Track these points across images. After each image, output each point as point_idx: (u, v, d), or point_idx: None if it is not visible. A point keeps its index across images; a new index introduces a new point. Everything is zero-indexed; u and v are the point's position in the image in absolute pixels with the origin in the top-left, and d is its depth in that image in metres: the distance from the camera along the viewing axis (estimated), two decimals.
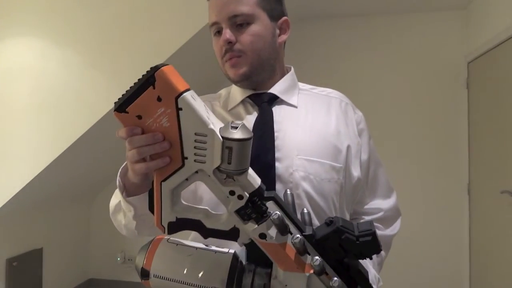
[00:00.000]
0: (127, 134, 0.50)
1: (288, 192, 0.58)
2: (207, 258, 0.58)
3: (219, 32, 0.74)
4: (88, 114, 2.05)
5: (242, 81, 0.76)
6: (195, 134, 0.49)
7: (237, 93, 0.80)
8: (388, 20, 2.82)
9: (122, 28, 2.04)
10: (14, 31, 2.13)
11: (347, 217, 0.79)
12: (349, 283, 0.53)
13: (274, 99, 0.77)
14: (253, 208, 0.52)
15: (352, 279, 0.54)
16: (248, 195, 0.52)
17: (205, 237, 0.56)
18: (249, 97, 0.78)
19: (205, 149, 0.49)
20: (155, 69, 0.47)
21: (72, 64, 2.08)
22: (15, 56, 2.13)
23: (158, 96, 0.48)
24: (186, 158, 0.50)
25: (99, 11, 2.06)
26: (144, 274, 0.57)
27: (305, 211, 0.57)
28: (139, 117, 0.49)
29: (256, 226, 0.52)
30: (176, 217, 0.54)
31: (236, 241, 0.55)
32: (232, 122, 0.50)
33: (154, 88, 0.47)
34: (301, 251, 0.53)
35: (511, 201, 2.03)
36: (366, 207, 0.83)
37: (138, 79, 0.48)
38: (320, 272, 0.52)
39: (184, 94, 0.48)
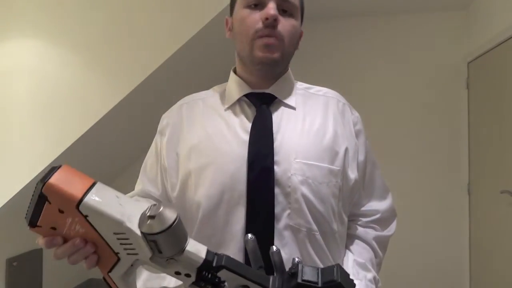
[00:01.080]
0: (46, 245, 0.48)
1: (274, 249, 0.51)
2: None
3: (257, 6, 0.70)
4: (88, 115, 2.05)
5: (266, 66, 0.72)
6: (114, 233, 0.46)
7: (233, 91, 0.77)
8: (388, 20, 2.82)
9: (122, 29, 2.04)
10: (14, 31, 2.13)
11: (345, 221, 0.77)
12: None
13: (272, 100, 0.76)
14: (206, 281, 0.48)
15: None
16: (195, 271, 0.48)
17: None
18: (246, 96, 0.76)
19: (131, 243, 0.47)
20: (42, 183, 0.44)
21: (71, 65, 2.08)
22: (15, 57, 2.13)
23: (59, 209, 0.45)
24: (118, 253, 0.48)
25: (99, 12, 2.06)
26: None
27: (274, 249, 0.50)
28: (54, 228, 0.47)
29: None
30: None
31: None
32: (149, 208, 0.45)
33: (50, 203, 0.45)
34: None
35: (511, 201, 2.03)
36: (363, 209, 0.82)
37: (32, 194, 0.45)
38: None
39: (84, 200, 0.44)
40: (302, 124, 0.74)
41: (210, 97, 0.81)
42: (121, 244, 0.47)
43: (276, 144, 0.70)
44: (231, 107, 0.76)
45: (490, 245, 2.32)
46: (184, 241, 0.47)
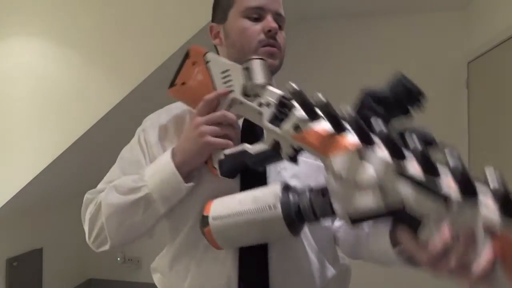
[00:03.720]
0: (215, 96, 0.65)
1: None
2: (259, 188, 0.60)
3: (256, 19, 0.74)
4: (89, 114, 2.05)
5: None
6: (221, 72, 0.67)
7: None
8: (387, 20, 2.82)
9: (123, 28, 2.04)
10: (14, 31, 2.13)
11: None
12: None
13: None
14: (282, 110, 0.57)
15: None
16: (274, 101, 0.59)
17: (254, 165, 0.62)
18: None
19: (231, 80, 0.65)
20: (187, 50, 0.70)
21: (72, 64, 2.08)
22: (15, 56, 2.13)
23: (193, 62, 0.69)
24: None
25: (100, 11, 2.06)
26: (204, 222, 0.59)
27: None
28: (183, 83, 0.70)
29: (287, 120, 0.55)
30: (224, 154, 0.63)
31: (282, 157, 0.58)
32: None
33: (189, 58, 0.70)
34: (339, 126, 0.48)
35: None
36: None
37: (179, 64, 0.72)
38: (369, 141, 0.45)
39: (208, 52, 0.69)
40: None
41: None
42: (224, 83, 0.66)
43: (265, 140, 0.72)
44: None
45: None
46: (267, 80, 0.63)
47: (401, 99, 0.49)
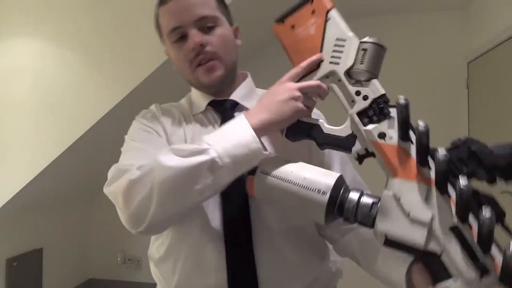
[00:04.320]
0: (308, 64, 0.60)
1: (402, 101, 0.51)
2: (314, 169, 0.59)
3: (182, 38, 0.71)
4: (88, 114, 2.05)
5: (216, 85, 0.74)
6: (336, 39, 0.59)
7: (199, 100, 0.79)
8: (387, 20, 2.81)
9: (122, 28, 2.04)
10: (14, 31, 2.14)
11: None
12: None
13: (235, 106, 0.77)
14: (376, 110, 0.54)
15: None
16: (373, 96, 0.55)
17: (321, 143, 0.59)
18: (210, 104, 0.78)
19: (342, 52, 0.58)
20: None
21: (72, 64, 2.08)
22: (15, 56, 2.13)
23: (313, 10, 0.61)
24: (322, 61, 0.59)
25: (99, 11, 2.06)
26: (251, 170, 0.60)
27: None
28: (292, 27, 0.62)
29: (377, 125, 0.53)
30: (298, 119, 0.60)
31: (350, 151, 0.57)
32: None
33: (312, 3, 0.61)
34: (424, 162, 0.49)
35: (511, 201, 2.03)
36: None
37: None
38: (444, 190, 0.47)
39: (333, 9, 0.61)
40: None
41: (180, 107, 0.83)
42: (333, 51, 0.59)
43: None
44: (199, 115, 0.79)
45: None
46: (377, 72, 0.57)
47: (502, 167, 0.45)
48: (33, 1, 2.12)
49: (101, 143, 2.26)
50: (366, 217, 0.52)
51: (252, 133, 0.57)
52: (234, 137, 0.58)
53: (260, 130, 0.58)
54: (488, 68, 2.39)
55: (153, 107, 0.82)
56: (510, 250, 0.41)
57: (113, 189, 0.62)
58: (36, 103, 2.10)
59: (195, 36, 0.69)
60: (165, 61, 1.98)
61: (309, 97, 0.61)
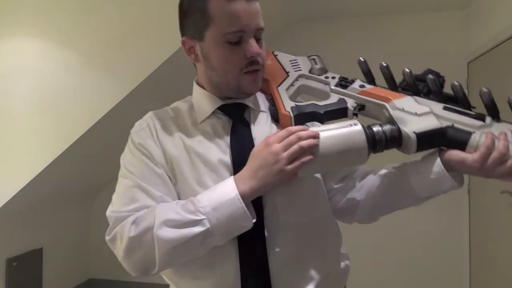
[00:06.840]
0: (296, 129, 0.67)
1: (383, 64, 0.77)
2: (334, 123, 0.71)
3: (237, 42, 0.69)
4: (88, 114, 2.05)
5: (253, 94, 0.78)
6: (289, 61, 0.82)
7: (205, 104, 0.77)
8: (387, 20, 2.82)
9: (122, 29, 2.04)
10: (14, 31, 2.14)
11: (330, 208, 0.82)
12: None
13: (244, 108, 0.77)
14: (343, 81, 0.78)
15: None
16: (338, 76, 0.79)
17: (322, 118, 0.74)
18: (219, 108, 0.76)
19: (298, 65, 0.81)
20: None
21: (72, 65, 2.08)
22: (15, 56, 2.13)
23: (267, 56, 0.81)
24: (288, 72, 0.80)
25: (99, 12, 2.06)
26: None
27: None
28: (264, 80, 0.78)
29: (354, 83, 0.77)
30: (296, 104, 0.75)
31: (346, 111, 0.74)
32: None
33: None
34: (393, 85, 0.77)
35: (511, 201, 2.03)
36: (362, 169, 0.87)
37: None
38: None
39: (274, 51, 0.84)
40: (271, 126, 0.78)
41: (178, 115, 0.79)
42: (292, 66, 0.81)
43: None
44: (207, 120, 0.76)
45: (490, 245, 2.32)
46: (326, 67, 0.82)
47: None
48: (33, 1, 2.12)
49: (101, 143, 2.26)
50: (393, 133, 0.68)
51: (243, 209, 0.63)
52: (227, 208, 0.63)
53: (249, 197, 0.65)
54: (488, 68, 2.39)
55: (149, 120, 0.77)
56: (483, 89, 0.70)
57: (113, 243, 0.68)
58: (35, 104, 2.10)
59: (255, 46, 0.70)
60: (165, 61, 1.98)
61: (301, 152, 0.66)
